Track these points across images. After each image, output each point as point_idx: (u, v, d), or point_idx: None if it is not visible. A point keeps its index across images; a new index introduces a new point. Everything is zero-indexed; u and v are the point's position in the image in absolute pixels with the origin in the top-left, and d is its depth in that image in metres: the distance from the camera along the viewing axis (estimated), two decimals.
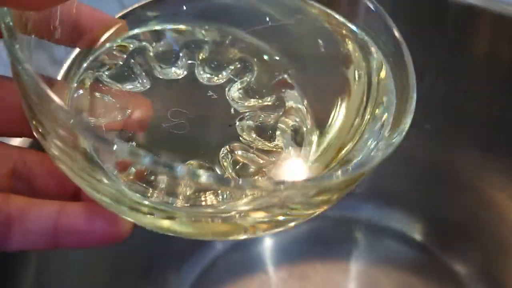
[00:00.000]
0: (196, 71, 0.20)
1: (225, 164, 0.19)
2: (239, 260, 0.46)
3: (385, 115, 0.20)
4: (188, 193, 0.17)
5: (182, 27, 0.21)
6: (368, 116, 0.20)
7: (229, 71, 0.20)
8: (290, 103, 0.21)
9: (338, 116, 0.21)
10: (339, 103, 0.21)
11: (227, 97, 0.20)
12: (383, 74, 0.21)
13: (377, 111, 0.21)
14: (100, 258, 0.38)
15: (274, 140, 0.20)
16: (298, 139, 0.20)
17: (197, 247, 0.46)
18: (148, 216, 0.17)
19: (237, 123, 0.20)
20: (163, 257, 0.43)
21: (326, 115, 0.21)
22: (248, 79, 0.21)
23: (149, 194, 0.16)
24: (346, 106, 0.21)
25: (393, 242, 0.47)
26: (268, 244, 0.47)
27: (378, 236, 0.47)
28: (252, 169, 0.19)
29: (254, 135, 0.20)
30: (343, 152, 0.20)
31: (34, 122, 0.16)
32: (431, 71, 0.38)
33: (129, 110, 0.19)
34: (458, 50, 0.36)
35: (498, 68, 0.37)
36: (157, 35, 0.20)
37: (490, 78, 0.37)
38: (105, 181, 0.15)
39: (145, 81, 0.20)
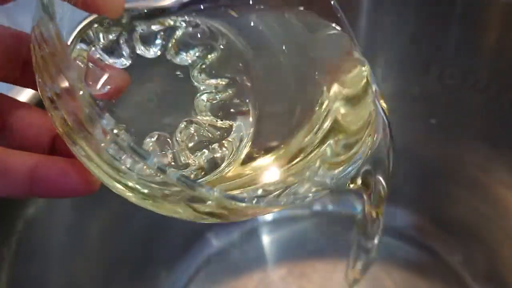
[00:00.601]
0: (168, 52, 0.22)
1: (180, 135, 0.21)
2: (235, 258, 0.45)
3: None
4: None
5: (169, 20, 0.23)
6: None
7: (196, 51, 0.22)
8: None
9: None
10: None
11: (191, 77, 0.22)
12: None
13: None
14: (93, 256, 0.37)
15: (226, 119, 0.22)
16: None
17: (191, 243, 0.44)
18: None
19: (196, 100, 0.22)
20: (156, 254, 0.42)
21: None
22: (209, 61, 0.23)
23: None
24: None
25: (396, 240, 0.45)
26: (266, 241, 0.46)
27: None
28: (202, 143, 0.21)
29: (209, 113, 0.22)
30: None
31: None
32: (438, 64, 0.36)
33: (110, 80, 0.20)
34: (466, 42, 0.35)
35: (507, 61, 0.35)
36: (147, 19, 0.22)
37: (498, 71, 0.35)
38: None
39: (127, 58, 0.22)
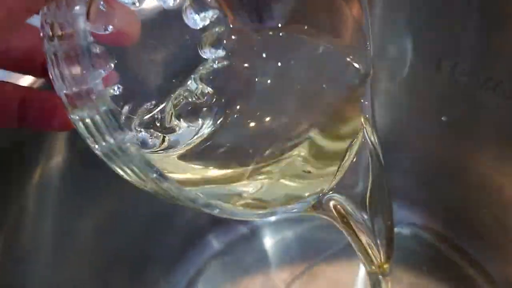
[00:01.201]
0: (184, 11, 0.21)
1: (174, 102, 0.21)
2: (236, 260, 0.43)
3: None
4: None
5: None
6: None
7: (210, 14, 0.21)
8: None
9: None
10: None
11: (198, 46, 0.21)
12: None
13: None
14: (87, 257, 0.36)
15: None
16: None
17: (190, 246, 0.43)
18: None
19: (197, 70, 0.21)
20: (154, 256, 0.41)
21: None
22: (220, 31, 0.22)
23: None
24: None
25: (404, 242, 0.44)
26: (269, 243, 0.45)
27: None
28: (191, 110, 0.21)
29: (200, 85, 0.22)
30: None
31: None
32: (450, 59, 0.35)
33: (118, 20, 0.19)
34: (480, 37, 0.33)
35: None
36: None
37: None
38: None
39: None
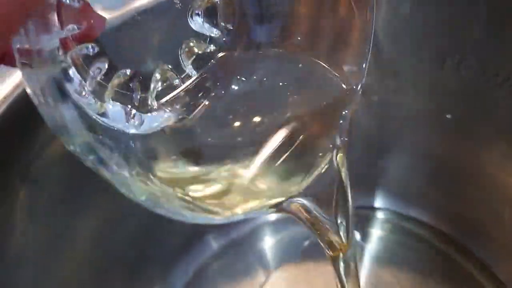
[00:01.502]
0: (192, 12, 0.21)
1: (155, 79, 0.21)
2: (235, 261, 0.43)
3: None
4: None
5: None
6: None
7: (213, 32, 0.21)
8: None
9: None
10: None
11: (188, 16, 0.21)
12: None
13: None
14: (84, 258, 0.35)
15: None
16: None
17: (189, 245, 0.42)
18: None
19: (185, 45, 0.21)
20: (153, 257, 0.40)
21: None
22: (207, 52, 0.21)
23: None
24: None
25: (405, 241, 0.43)
26: (268, 243, 0.44)
27: (389, 234, 0.44)
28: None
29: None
30: None
31: None
32: (455, 54, 0.33)
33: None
34: (486, 31, 0.32)
35: None
36: None
37: None
38: None
39: None
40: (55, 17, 0.17)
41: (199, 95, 0.21)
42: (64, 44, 0.17)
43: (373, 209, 0.45)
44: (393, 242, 0.43)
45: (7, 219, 0.28)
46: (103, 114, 0.19)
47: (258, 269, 0.42)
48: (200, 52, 0.21)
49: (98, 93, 0.19)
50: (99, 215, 0.35)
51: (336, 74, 0.22)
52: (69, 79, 0.18)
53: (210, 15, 0.20)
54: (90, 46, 0.19)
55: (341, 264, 0.24)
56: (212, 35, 0.21)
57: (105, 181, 0.18)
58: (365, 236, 0.44)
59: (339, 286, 0.26)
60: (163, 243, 0.41)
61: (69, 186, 0.32)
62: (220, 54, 0.21)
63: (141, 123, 0.20)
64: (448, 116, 0.37)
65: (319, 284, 0.41)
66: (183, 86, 0.21)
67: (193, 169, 0.21)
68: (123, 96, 0.20)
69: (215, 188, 0.21)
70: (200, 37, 0.21)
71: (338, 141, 0.22)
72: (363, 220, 0.44)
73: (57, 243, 0.32)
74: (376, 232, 0.44)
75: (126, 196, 0.18)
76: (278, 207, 0.21)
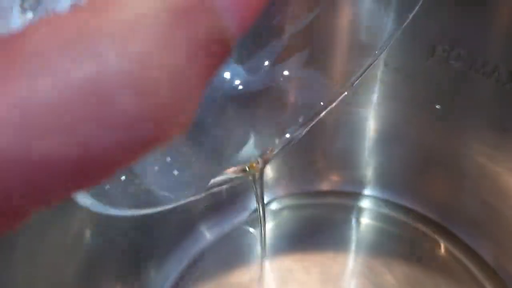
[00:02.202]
0: None
1: None
2: (229, 252, 0.43)
3: None
4: None
5: None
6: None
7: None
8: None
9: None
10: None
11: None
12: None
13: None
14: (75, 250, 0.35)
15: None
16: None
17: (183, 237, 0.42)
18: None
19: None
20: (146, 248, 0.40)
21: None
22: None
23: None
24: None
25: (397, 232, 0.43)
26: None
27: (381, 225, 0.44)
28: None
29: None
30: None
31: None
32: (444, 43, 0.34)
33: None
34: (476, 19, 0.32)
35: None
36: None
37: (510, 52, 0.32)
38: None
39: None
40: None
41: None
42: None
43: (363, 196, 0.45)
44: (383, 231, 0.44)
45: None
46: None
47: (252, 260, 0.42)
48: None
49: None
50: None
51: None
52: None
53: None
54: None
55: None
56: None
57: None
58: (354, 227, 0.44)
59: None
60: (157, 234, 0.41)
61: None
62: None
63: None
64: (438, 106, 0.37)
65: (315, 274, 0.41)
66: None
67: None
68: None
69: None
70: None
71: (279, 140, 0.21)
72: (351, 211, 0.45)
73: (50, 231, 0.32)
74: (365, 221, 0.44)
75: None
76: None
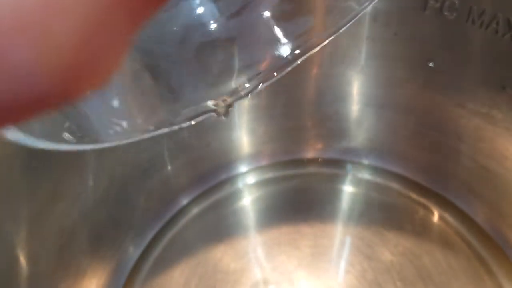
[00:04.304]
0: None
1: None
2: (214, 223, 0.41)
3: None
4: None
5: None
6: None
7: None
8: None
9: None
10: None
11: None
12: None
13: None
14: (53, 222, 0.33)
15: None
16: None
17: (164, 209, 0.40)
18: None
19: None
20: (125, 220, 0.38)
21: None
22: None
23: None
24: None
25: (389, 201, 0.41)
26: (247, 206, 0.42)
27: (372, 194, 0.42)
28: None
29: None
30: None
31: None
32: None
33: None
34: None
35: None
36: None
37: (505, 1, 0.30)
38: None
39: None
40: None
41: None
42: None
43: (352, 164, 0.43)
44: (374, 200, 0.42)
45: None
46: None
47: (237, 233, 0.40)
48: None
49: None
50: (66, 172, 0.33)
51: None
52: None
53: None
54: None
55: None
56: None
57: None
58: (344, 197, 0.42)
59: None
60: (135, 207, 0.39)
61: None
62: None
63: None
64: (431, 64, 0.35)
65: (304, 246, 0.39)
66: None
67: None
68: None
69: None
70: None
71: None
72: (341, 181, 0.43)
73: (24, 205, 0.30)
74: (355, 190, 0.42)
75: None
76: None
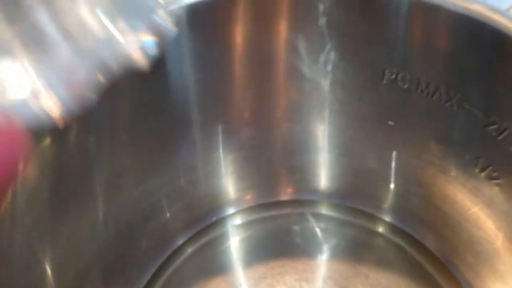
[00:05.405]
0: None
1: None
2: (207, 260, 0.46)
3: None
4: None
5: None
6: None
7: None
8: None
9: None
10: None
11: None
12: None
13: None
14: (61, 262, 0.36)
15: None
16: None
17: (164, 249, 0.45)
18: None
19: None
20: (127, 261, 0.43)
21: None
22: None
23: None
24: None
25: (361, 237, 0.47)
26: (236, 245, 0.47)
27: (345, 230, 0.47)
28: None
29: None
30: None
31: None
32: (392, 68, 0.38)
33: None
34: (412, 44, 0.36)
35: (454, 63, 0.36)
36: None
37: (449, 73, 0.36)
38: None
39: None
40: None
41: None
42: None
43: (320, 204, 0.49)
44: (345, 234, 0.47)
45: None
46: None
47: (228, 271, 0.45)
48: None
49: None
50: (81, 218, 0.37)
51: None
52: None
53: None
54: None
55: None
56: None
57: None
58: (319, 233, 0.47)
59: None
60: (139, 248, 0.44)
61: (51, 185, 0.33)
62: None
63: None
64: (391, 123, 0.41)
65: (289, 282, 0.44)
66: None
67: None
68: None
69: None
70: None
71: None
72: (312, 219, 0.48)
73: (36, 247, 0.33)
74: (325, 227, 0.48)
75: None
76: None
